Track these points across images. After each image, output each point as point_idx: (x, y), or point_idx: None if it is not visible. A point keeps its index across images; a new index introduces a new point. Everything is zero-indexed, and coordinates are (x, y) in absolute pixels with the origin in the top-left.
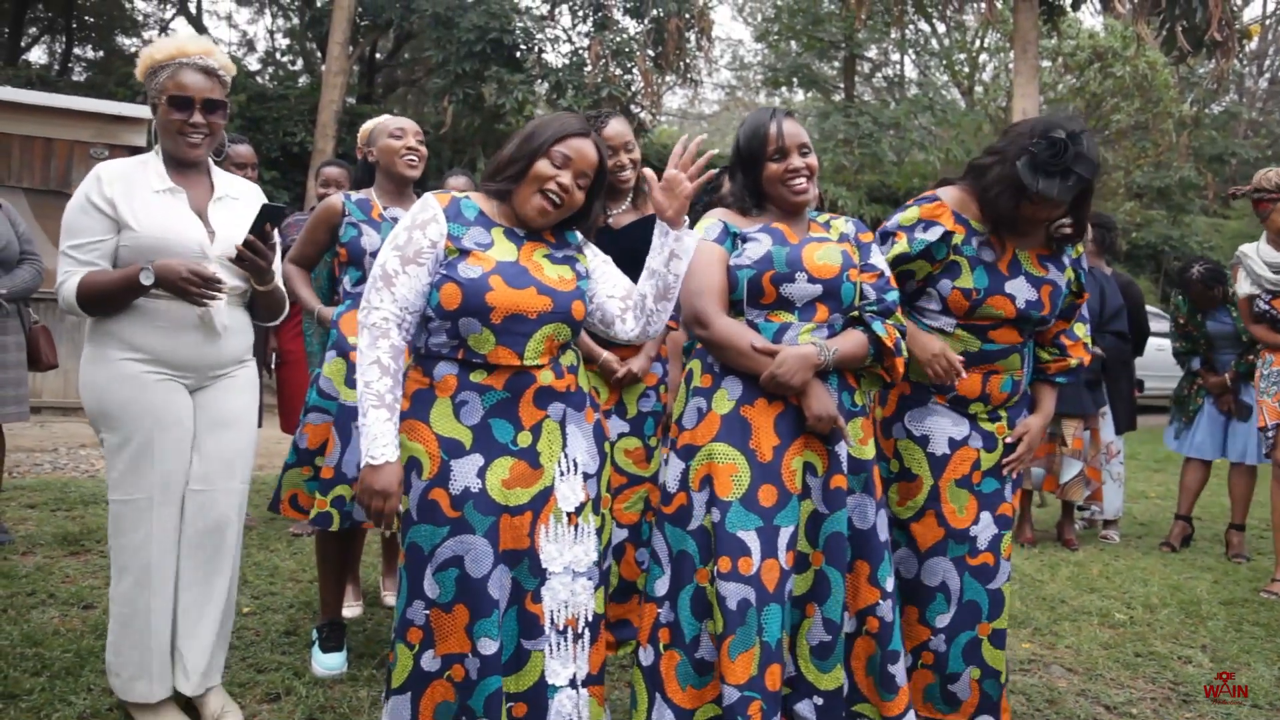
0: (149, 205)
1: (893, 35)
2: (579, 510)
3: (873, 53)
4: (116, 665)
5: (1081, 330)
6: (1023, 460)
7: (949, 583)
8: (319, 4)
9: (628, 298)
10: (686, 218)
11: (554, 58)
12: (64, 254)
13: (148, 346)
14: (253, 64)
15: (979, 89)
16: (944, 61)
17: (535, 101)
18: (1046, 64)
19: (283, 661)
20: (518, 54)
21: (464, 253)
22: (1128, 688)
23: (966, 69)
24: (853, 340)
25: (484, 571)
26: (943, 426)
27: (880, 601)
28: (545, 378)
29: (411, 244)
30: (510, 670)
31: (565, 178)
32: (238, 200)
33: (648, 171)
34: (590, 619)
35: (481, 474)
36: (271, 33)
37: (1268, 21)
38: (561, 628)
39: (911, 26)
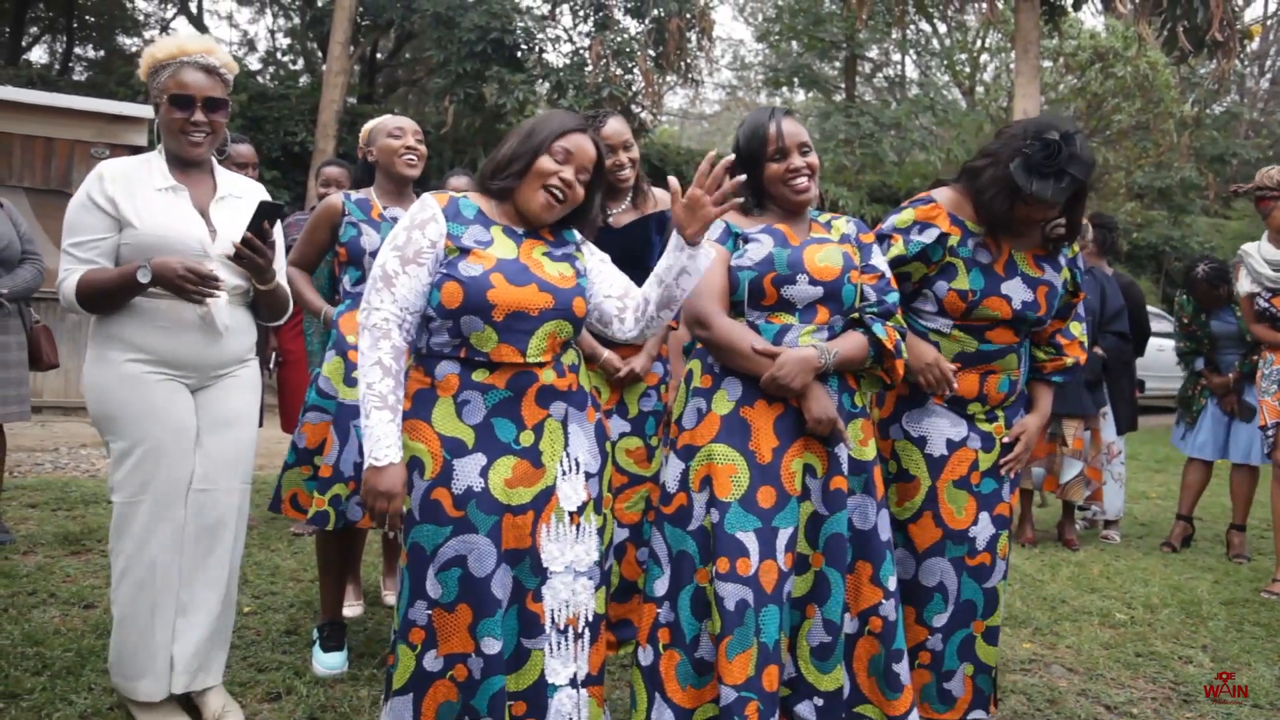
0: (151, 204)
1: (894, 35)
2: (581, 510)
3: (874, 53)
4: (120, 664)
5: (1077, 329)
6: (1020, 460)
7: (947, 583)
8: (320, 4)
9: (625, 296)
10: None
11: (555, 58)
12: (65, 252)
13: (149, 347)
14: (254, 63)
15: (980, 89)
16: (945, 62)
17: (536, 101)
18: (1048, 64)
19: (283, 661)
20: (519, 54)
21: (464, 251)
22: (1128, 688)
23: (968, 69)
24: (853, 342)
25: (487, 571)
26: (940, 427)
27: (883, 601)
28: (547, 376)
29: (411, 244)
30: (510, 669)
31: (568, 173)
32: (240, 199)
33: (673, 181)
34: (591, 619)
35: (484, 473)
36: (272, 32)
37: (1269, 22)
38: (562, 627)
39: (913, 27)
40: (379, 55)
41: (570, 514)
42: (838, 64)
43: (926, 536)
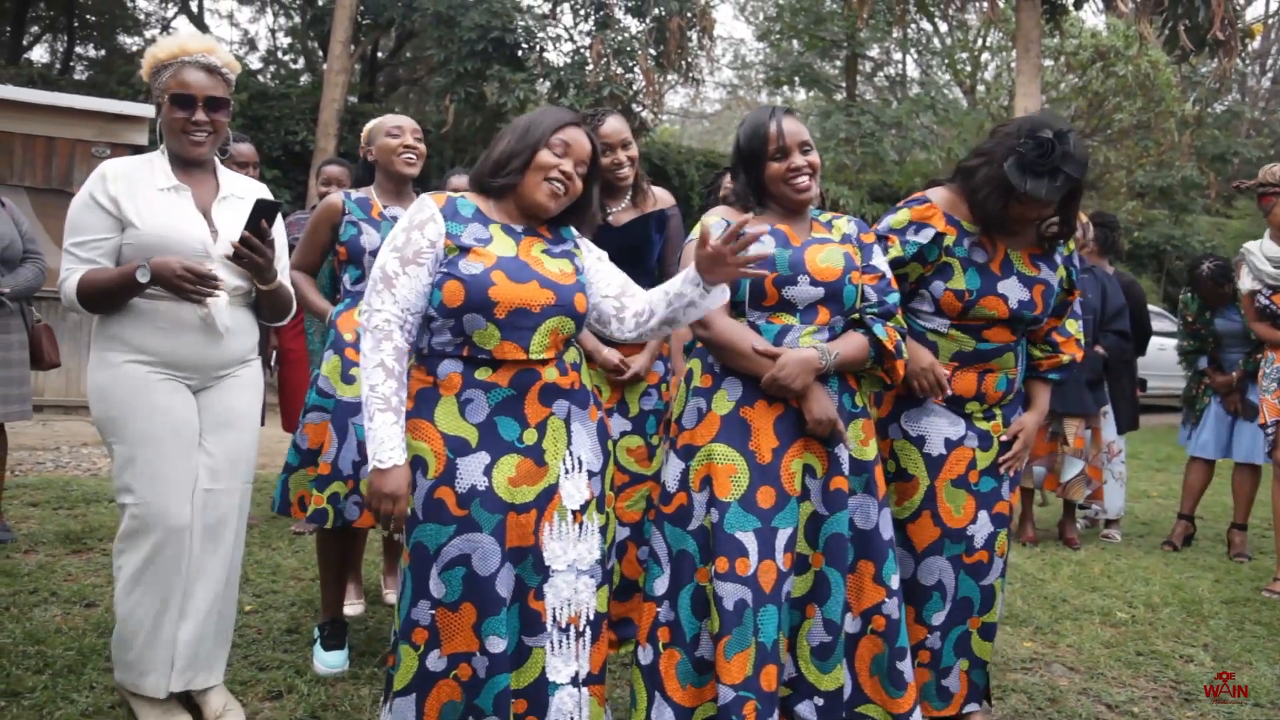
0: (153, 204)
1: (895, 34)
2: (583, 508)
3: (875, 52)
4: (125, 660)
5: (1074, 327)
6: (1019, 457)
7: (945, 581)
8: (320, 3)
9: (622, 296)
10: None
11: (556, 57)
12: (67, 251)
13: (150, 347)
14: (254, 63)
15: (981, 88)
16: (946, 60)
17: (537, 100)
18: (1049, 63)
19: (284, 659)
20: (519, 53)
21: (464, 250)
22: (1129, 686)
23: (968, 68)
24: (853, 343)
25: (492, 570)
26: (939, 427)
27: (886, 600)
28: (550, 375)
29: (410, 245)
30: (512, 666)
31: (567, 165)
32: (243, 199)
33: (704, 224)
34: (592, 617)
35: (488, 472)
36: (273, 31)
37: (1270, 21)
38: (564, 625)
39: (913, 26)
40: (380, 54)
41: (573, 512)
42: (838, 63)
43: (925, 536)
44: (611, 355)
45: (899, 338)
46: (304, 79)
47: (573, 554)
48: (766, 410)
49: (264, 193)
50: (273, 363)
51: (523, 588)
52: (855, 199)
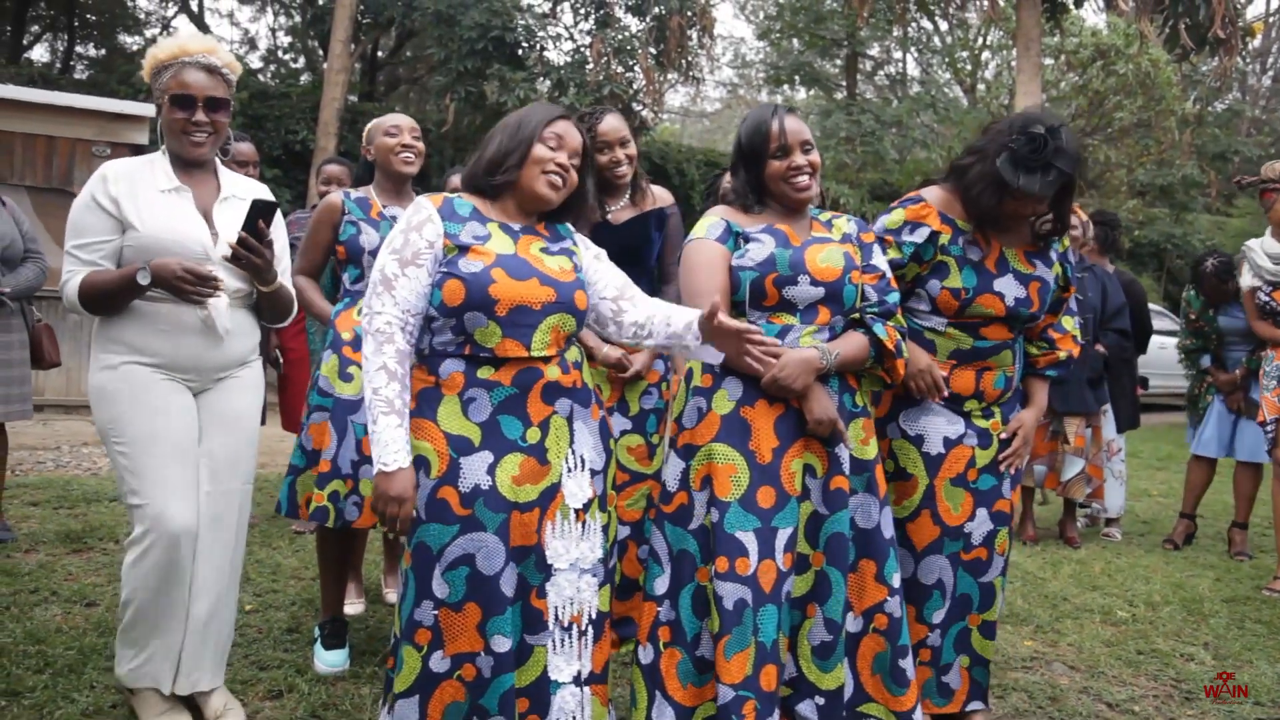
0: (153, 205)
1: (895, 33)
2: (586, 507)
3: (875, 50)
4: (128, 657)
5: (1070, 324)
6: (1019, 455)
7: (944, 579)
8: (320, 2)
9: (620, 299)
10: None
11: (556, 55)
12: (69, 253)
13: (151, 349)
14: (255, 62)
15: (981, 87)
16: (946, 59)
17: (537, 99)
18: (1049, 61)
19: (285, 659)
20: (519, 52)
21: (463, 249)
22: (1130, 685)
23: (969, 67)
24: (854, 343)
25: (496, 569)
26: (937, 425)
27: (888, 598)
28: (553, 373)
29: (409, 246)
30: (515, 665)
31: (562, 157)
32: (244, 200)
33: (714, 304)
34: (594, 616)
35: (491, 471)
36: (273, 30)
37: (1271, 19)
38: (566, 624)
39: (914, 24)
40: (380, 53)
41: (576, 511)
42: (839, 62)
43: (924, 535)
44: (612, 353)
45: (899, 337)
46: (304, 78)
47: (575, 553)
48: (767, 410)
49: (263, 193)
50: (279, 363)
51: (525, 586)
52: (856, 198)
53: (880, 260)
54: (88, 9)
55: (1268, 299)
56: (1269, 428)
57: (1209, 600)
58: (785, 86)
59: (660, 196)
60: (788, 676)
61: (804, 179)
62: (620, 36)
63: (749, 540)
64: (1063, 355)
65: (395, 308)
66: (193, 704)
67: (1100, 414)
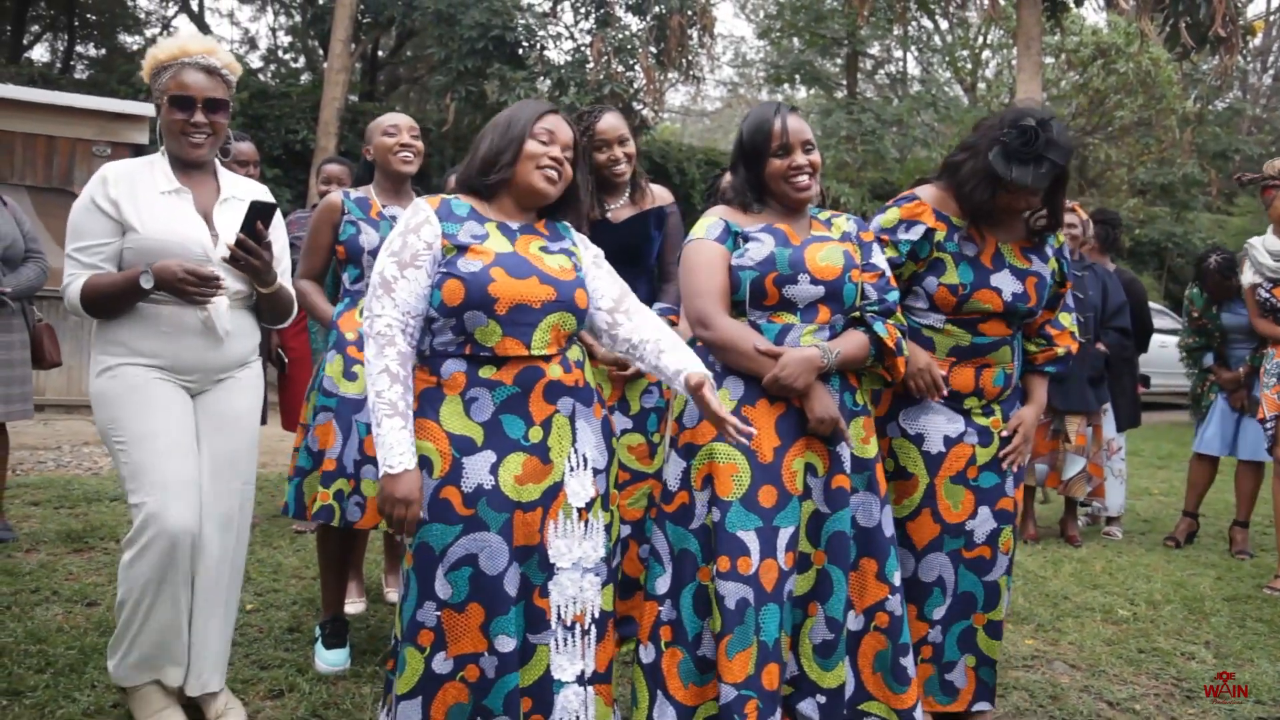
0: (154, 207)
1: (895, 32)
2: (589, 506)
3: (875, 49)
4: (128, 653)
5: (1067, 320)
6: (1021, 452)
7: (945, 577)
8: (321, 1)
9: (615, 310)
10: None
11: (556, 55)
12: (69, 256)
13: (151, 351)
14: (255, 61)
15: (982, 86)
16: (947, 58)
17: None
18: (1049, 60)
19: (286, 658)
20: (520, 51)
21: (462, 249)
22: (1131, 684)
23: (969, 65)
24: (854, 341)
25: (500, 569)
26: (937, 424)
27: (889, 596)
28: (554, 372)
29: (407, 248)
30: (519, 665)
31: (555, 151)
32: (244, 201)
33: (696, 377)
34: (597, 615)
35: (494, 470)
36: (274, 30)
37: (1271, 18)
38: (569, 623)
39: (914, 23)
40: (380, 53)
41: (578, 510)
42: (839, 61)
43: (925, 533)
44: (609, 352)
45: (899, 335)
46: (304, 78)
47: (578, 552)
48: (768, 409)
49: (262, 194)
50: (282, 362)
51: (528, 585)
52: (856, 196)
53: (880, 259)
54: (88, 9)
55: (1268, 295)
56: (1269, 425)
57: (1210, 599)
58: (786, 85)
59: (660, 195)
60: (789, 675)
61: (804, 179)
62: (620, 36)
63: (751, 539)
64: (1061, 351)
65: (395, 310)
66: (193, 703)
67: (1101, 412)
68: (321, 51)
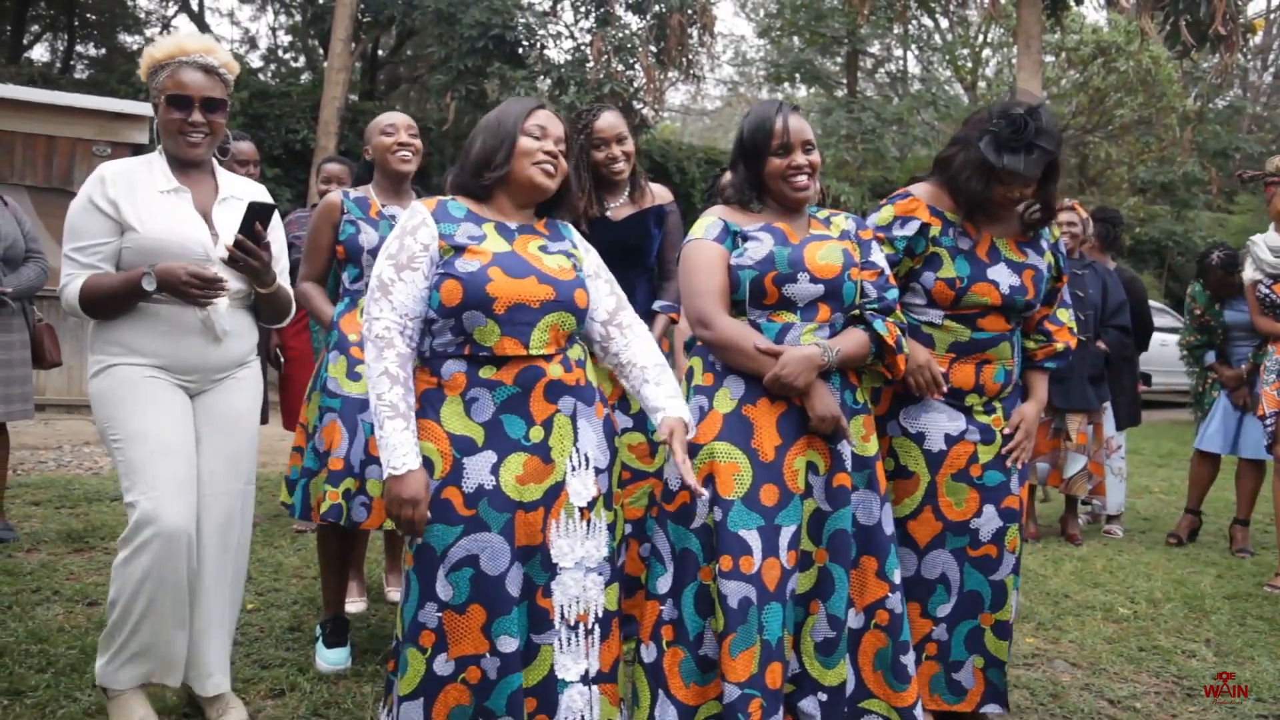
0: (153, 206)
1: (895, 30)
2: (591, 505)
3: (875, 48)
4: (115, 656)
5: (1065, 315)
6: (1024, 448)
7: (949, 574)
8: (321, 1)
9: (609, 323)
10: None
11: (556, 54)
12: (67, 256)
13: (151, 351)
14: (255, 61)
15: (982, 84)
16: (947, 57)
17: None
18: (1050, 59)
19: (287, 657)
20: (520, 50)
21: (459, 249)
22: (1131, 682)
23: (970, 64)
24: (854, 339)
25: (501, 569)
26: (938, 422)
27: (889, 594)
28: (555, 371)
29: (404, 251)
30: (522, 665)
31: (549, 145)
32: (242, 201)
33: (672, 429)
34: (601, 615)
35: (495, 471)
36: (274, 29)
37: (1272, 16)
38: (572, 623)
39: (914, 21)
40: (380, 52)
41: (580, 509)
42: (839, 59)
43: (927, 531)
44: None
45: (899, 333)
46: (305, 77)
47: (580, 551)
48: (769, 408)
49: (260, 194)
50: (279, 362)
51: (531, 585)
52: (856, 195)
53: (878, 256)
54: (88, 8)
55: (1268, 291)
56: (1269, 421)
57: (1210, 597)
58: (786, 84)
59: (659, 194)
60: (790, 673)
61: (803, 179)
62: (621, 34)
63: (752, 538)
64: (1060, 347)
65: (393, 313)
66: (193, 702)
67: (1101, 411)
68: (321, 51)
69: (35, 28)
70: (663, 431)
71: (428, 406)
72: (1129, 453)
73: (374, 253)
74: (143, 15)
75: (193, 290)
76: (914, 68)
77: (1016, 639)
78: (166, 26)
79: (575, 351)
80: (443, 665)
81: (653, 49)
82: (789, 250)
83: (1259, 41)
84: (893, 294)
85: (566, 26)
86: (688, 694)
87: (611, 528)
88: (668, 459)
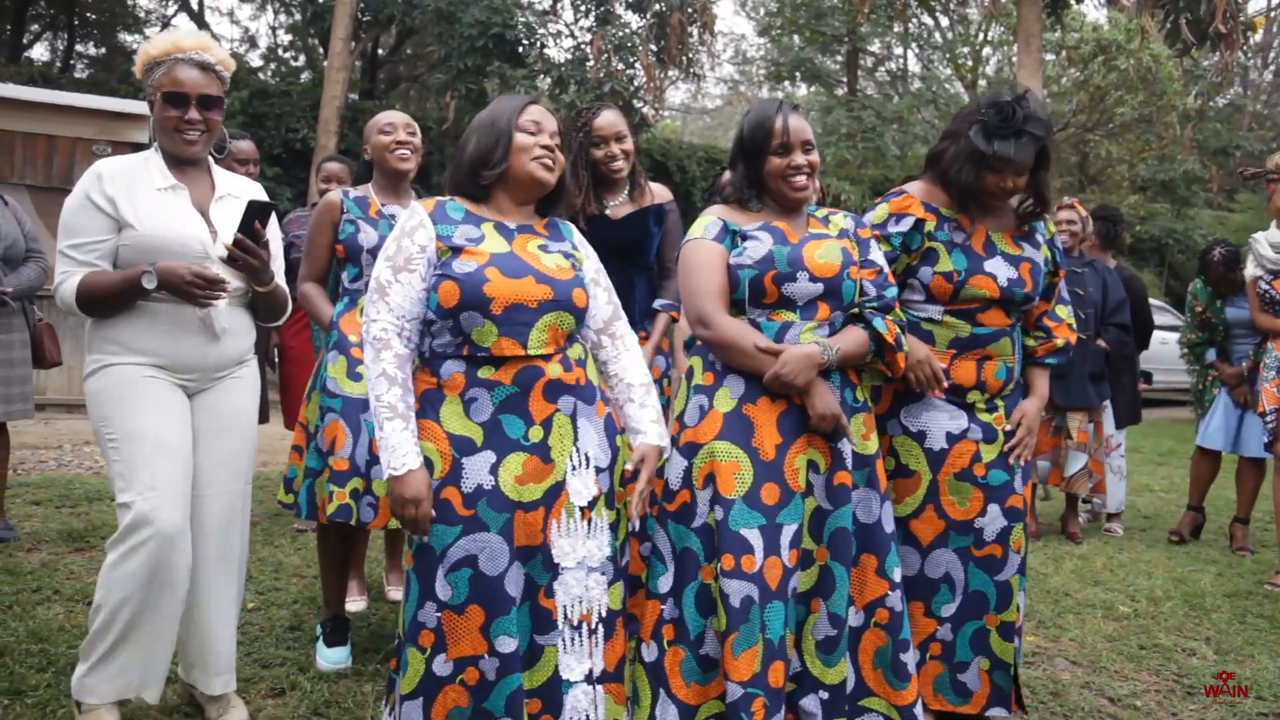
0: (150, 204)
1: (896, 29)
2: (591, 505)
3: (876, 47)
4: (94, 665)
5: (1064, 311)
6: (1026, 445)
7: (953, 574)
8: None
9: (603, 332)
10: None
11: (556, 53)
12: (62, 253)
13: (149, 349)
14: (255, 60)
15: (983, 83)
16: (947, 55)
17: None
18: (1050, 57)
19: (287, 657)
20: (520, 49)
21: (456, 250)
22: (1132, 680)
23: (970, 63)
24: (854, 338)
25: (500, 569)
26: (939, 421)
27: (889, 593)
28: (554, 370)
29: (401, 252)
30: (525, 666)
31: (545, 139)
32: (239, 199)
33: (640, 461)
34: (604, 614)
35: (494, 471)
36: (274, 29)
37: (1272, 14)
38: (575, 623)
39: (914, 20)
40: (380, 51)
41: (581, 509)
42: (839, 58)
43: (929, 530)
44: None
45: (899, 331)
46: (304, 76)
47: (582, 551)
48: (769, 407)
49: (258, 193)
50: (274, 359)
51: (532, 586)
52: (856, 194)
53: (877, 254)
54: (88, 8)
55: (1268, 287)
56: (1269, 418)
57: (1210, 595)
58: (786, 83)
59: (659, 193)
60: (791, 671)
61: (802, 179)
62: (621, 33)
63: (754, 537)
64: (1060, 343)
65: (390, 314)
66: (194, 701)
67: (1102, 409)
68: (321, 50)
69: (35, 27)
70: (635, 457)
71: (427, 406)
72: (1129, 451)
73: (373, 252)
74: (143, 14)
75: (195, 290)
76: (914, 66)
77: None
78: (166, 25)
79: (575, 351)
80: (442, 666)
81: (653, 48)
82: (788, 249)
83: (1259, 39)
84: (892, 292)
85: (566, 25)
86: (689, 693)
87: (614, 527)
88: (668, 459)
